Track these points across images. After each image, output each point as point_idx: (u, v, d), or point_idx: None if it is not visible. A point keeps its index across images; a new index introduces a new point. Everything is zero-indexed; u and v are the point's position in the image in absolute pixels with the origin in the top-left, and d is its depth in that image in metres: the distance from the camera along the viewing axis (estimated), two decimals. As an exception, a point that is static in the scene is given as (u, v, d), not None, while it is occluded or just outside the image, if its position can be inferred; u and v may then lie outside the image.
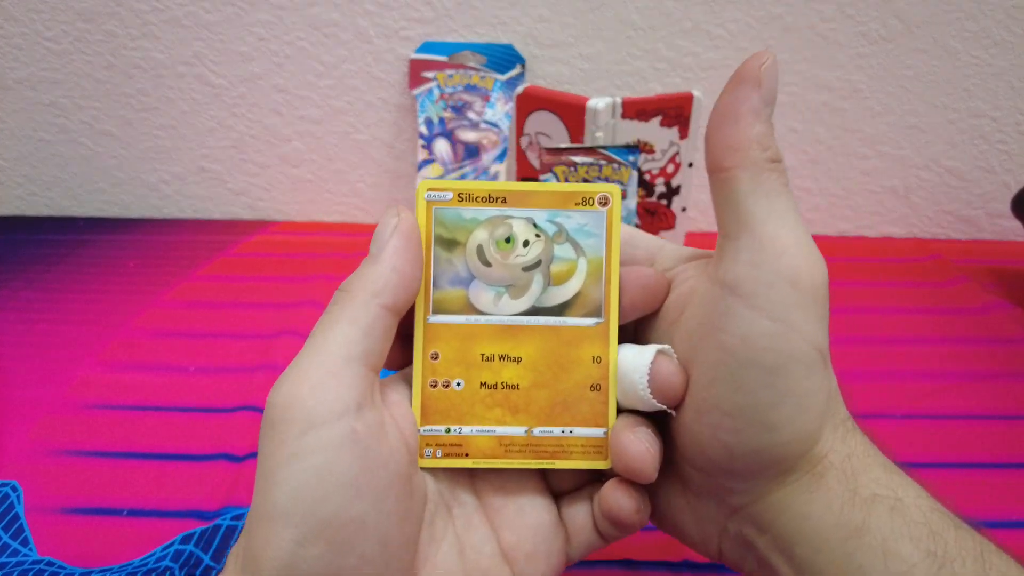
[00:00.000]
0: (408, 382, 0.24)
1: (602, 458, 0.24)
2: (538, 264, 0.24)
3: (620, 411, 0.24)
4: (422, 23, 0.62)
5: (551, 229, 0.24)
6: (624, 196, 0.52)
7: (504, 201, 0.24)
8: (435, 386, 0.24)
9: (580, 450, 0.24)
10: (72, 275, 0.61)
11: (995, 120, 0.64)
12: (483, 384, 0.24)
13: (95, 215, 0.73)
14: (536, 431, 0.24)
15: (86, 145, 0.69)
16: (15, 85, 0.66)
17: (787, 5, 0.60)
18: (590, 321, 0.24)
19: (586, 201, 0.24)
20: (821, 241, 0.74)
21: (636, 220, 0.53)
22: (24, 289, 0.58)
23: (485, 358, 0.24)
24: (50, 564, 0.34)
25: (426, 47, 0.63)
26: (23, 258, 0.63)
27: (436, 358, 0.24)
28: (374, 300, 0.21)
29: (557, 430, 0.24)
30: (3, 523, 0.36)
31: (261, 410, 0.44)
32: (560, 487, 0.25)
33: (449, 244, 0.24)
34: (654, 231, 0.59)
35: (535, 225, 0.24)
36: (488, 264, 0.24)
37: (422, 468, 0.23)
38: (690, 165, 0.57)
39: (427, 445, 0.24)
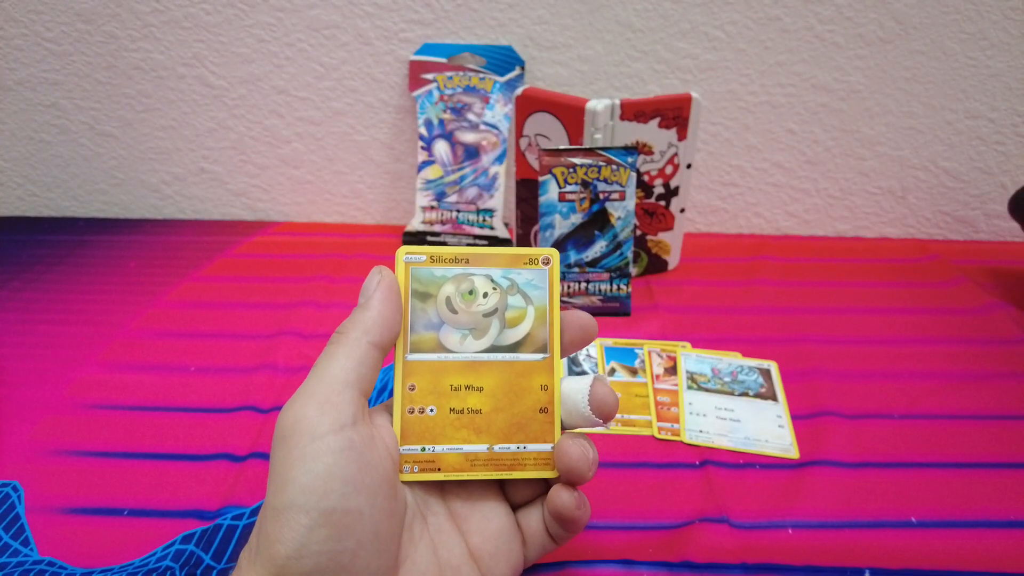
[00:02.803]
0: (388, 411, 0.29)
1: (550, 468, 0.29)
2: (495, 311, 0.29)
3: (564, 430, 0.29)
4: (422, 25, 0.62)
5: (505, 283, 0.29)
6: (623, 198, 0.52)
7: (467, 262, 0.29)
8: (412, 412, 0.28)
9: (532, 462, 0.29)
10: (73, 276, 0.61)
11: (992, 121, 0.64)
12: (452, 410, 0.28)
13: (95, 216, 0.73)
14: (496, 448, 0.28)
15: (86, 146, 0.69)
16: (15, 86, 0.66)
17: (785, 7, 0.60)
18: (538, 356, 0.29)
19: (532, 261, 0.30)
20: (819, 242, 0.74)
21: (635, 222, 0.53)
22: (25, 289, 0.58)
23: (453, 388, 0.29)
24: (51, 564, 0.34)
25: (426, 49, 0.63)
26: (23, 259, 0.64)
27: (413, 389, 0.28)
28: (364, 338, 0.26)
29: (513, 447, 0.29)
30: (4, 523, 0.36)
31: (261, 410, 0.44)
32: (516, 500, 0.30)
33: (423, 296, 0.29)
34: (653, 232, 0.60)
35: (492, 280, 0.29)
36: (455, 312, 0.29)
37: (403, 481, 0.28)
38: (688, 166, 0.57)
39: (406, 462, 0.28)
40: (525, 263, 0.30)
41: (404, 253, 0.29)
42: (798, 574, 0.34)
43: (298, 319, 0.54)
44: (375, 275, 0.28)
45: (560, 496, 0.28)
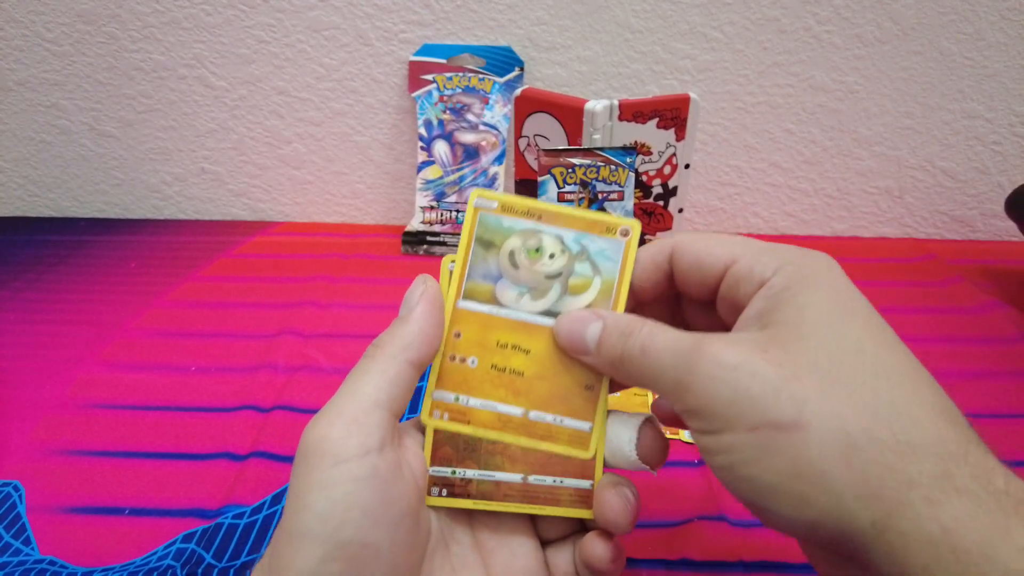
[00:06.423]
0: (418, 428, 0.27)
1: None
2: (559, 275, 0.27)
3: (605, 469, 0.27)
4: (421, 26, 0.62)
5: (576, 248, 0.27)
6: (622, 198, 0.52)
7: (540, 218, 0.27)
8: (453, 360, 0.27)
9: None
10: (73, 276, 0.61)
11: (989, 121, 0.65)
12: (494, 366, 0.27)
13: (96, 216, 0.73)
14: (532, 414, 0.27)
15: (87, 146, 0.69)
16: (16, 87, 0.66)
17: (783, 7, 0.60)
18: None
19: (610, 230, 0.27)
20: (817, 241, 0.74)
21: (633, 221, 0.53)
22: (25, 290, 0.59)
23: (499, 344, 0.27)
24: (52, 563, 0.34)
25: (425, 49, 0.63)
26: (24, 259, 0.64)
27: (459, 336, 0.27)
28: (402, 355, 0.25)
29: (550, 416, 0.27)
30: (5, 523, 0.36)
31: (262, 409, 0.44)
32: (547, 535, 0.28)
33: (487, 244, 0.27)
34: (651, 232, 0.60)
35: (563, 242, 0.27)
36: (516, 267, 0.27)
37: (428, 505, 0.26)
38: (687, 167, 0.57)
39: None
40: (602, 231, 0.27)
41: (476, 196, 0.27)
42: (796, 572, 0.34)
43: (298, 319, 0.54)
44: (419, 285, 0.26)
45: (595, 548, 0.25)
